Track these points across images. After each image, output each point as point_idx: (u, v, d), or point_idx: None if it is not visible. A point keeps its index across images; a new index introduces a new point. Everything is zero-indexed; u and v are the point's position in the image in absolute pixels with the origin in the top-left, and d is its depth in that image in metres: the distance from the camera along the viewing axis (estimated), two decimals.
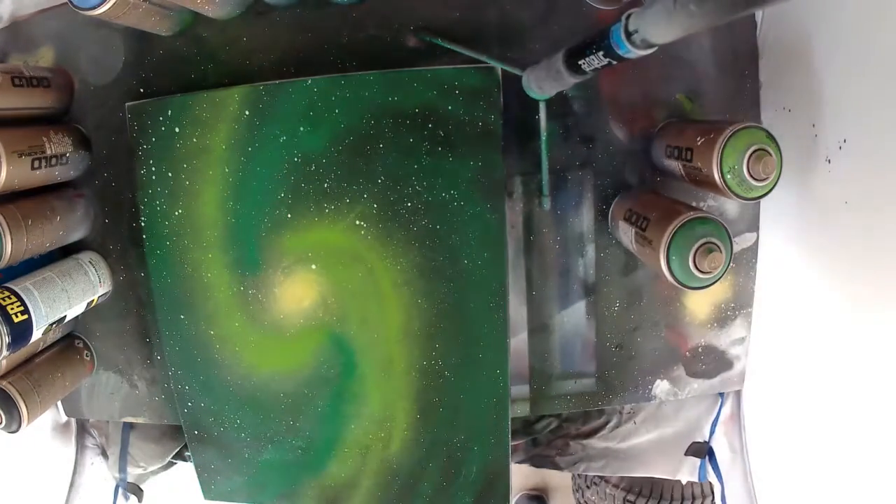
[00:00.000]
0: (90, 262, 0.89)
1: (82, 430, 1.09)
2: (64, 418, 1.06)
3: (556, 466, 1.09)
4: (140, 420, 1.02)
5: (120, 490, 1.10)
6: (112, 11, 0.69)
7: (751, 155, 0.67)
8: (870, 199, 0.68)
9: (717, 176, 0.69)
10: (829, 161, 0.73)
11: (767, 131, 0.68)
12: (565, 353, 0.95)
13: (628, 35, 0.49)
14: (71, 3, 0.67)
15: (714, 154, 0.69)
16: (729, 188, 0.69)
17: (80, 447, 1.09)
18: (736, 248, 0.89)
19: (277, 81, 0.80)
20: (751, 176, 0.68)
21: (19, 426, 0.83)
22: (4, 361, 0.85)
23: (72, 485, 1.07)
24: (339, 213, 0.81)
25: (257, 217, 0.82)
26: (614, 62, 0.54)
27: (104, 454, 1.10)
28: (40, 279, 0.79)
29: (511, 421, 0.89)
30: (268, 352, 0.87)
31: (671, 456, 1.04)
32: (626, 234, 0.82)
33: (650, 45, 0.48)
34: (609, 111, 0.87)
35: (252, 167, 0.81)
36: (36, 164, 0.77)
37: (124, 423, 1.05)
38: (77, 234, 0.90)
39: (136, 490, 1.11)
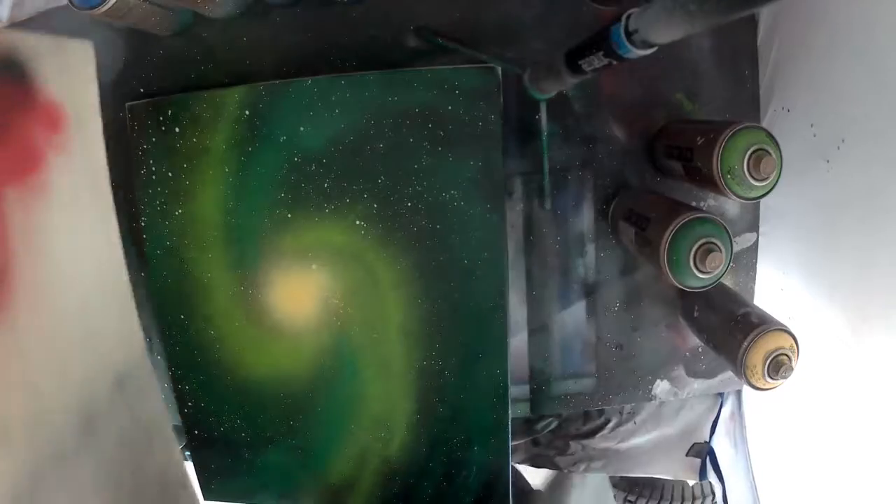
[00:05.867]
0: None
1: None
2: None
3: (556, 466, 1.08)
4: None
5: None
6: (112, 11, 0.69)
7: (751, 155, 0.67)
8: (868, 200, 0.68)
9: (717, 176, 0.69)
10: (828, 161, 0.73)
11: (767, 131, 0.68)
12: (565, 353, 0.95)
13: (628, 35, 0.49)
14: (71, 3, 0.67)
15: (714, 154, 0.69)
16: (729, 188, 0.69)
17: None
18: (736, 248, 0.89)
19: (277, 81, 0.80)
20: (751, 176, 0.68)
21: None
22: None
23: None
24: (340, 213, 0.81)
25: (257, 217, 0.82)
26: (614, 62, 0.54)
27: None
28: None
29: (511, 421, 0.89)
30: (268, 352, 0.87)
31: (671, 456, 1.04)
32: (626, 234, 0.82)
33: (650, 45, 0.48)
34: (609, 111, 0.87)
35: (252, 167, 0.81)
36: None
37: None
38: None
39: None
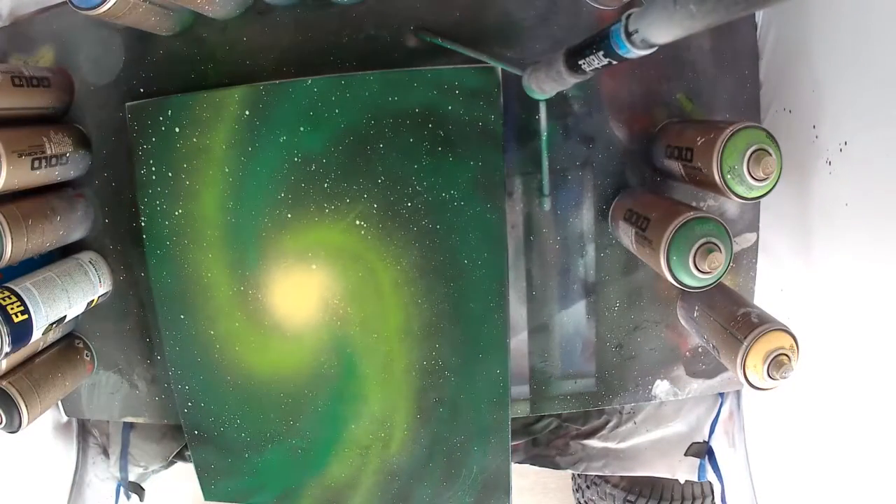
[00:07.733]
0: (90, 262, 0.89)
1: (83, 429, 1.09)
2: (65, 418, 1.06)
3: (556, 466, 1.08)
4: (140, 420, 1.02)
5: (121, 489, 1.10)
6: (112, 11, 0.69)
7: (751, 155, 0.67)
8: (870, 202, 0.68)
9: (717, 176, 0.69)
10: (830, 163, 0.72)
11: (767, 131, 0.68)
12: (565, 353, 0.95)
13: (628, 35, 0.49)
14: (71, 3, 0.67)
15: (714, 154, 0.69)
16: (729, 188, 0.69)
17: (82, 447, 1.09)
18: (736, 248, 0.89)
19: (277, 81, 0.80)
20: (751, 176, 0.68)
21: (19, 426, 0.83)
22: (4, 361, 0.85)
23: (74, 484, 1.07)
24: (340, 213, 0.81)
25: (257, 217, 0.82)
26: (614, 62, 0.54)
27: (105, 454, 1.10)
28: (41, 279, 0.79)
29: (511, 421, 0.89)
30: (268, 352, 0.87)
31: (671, 456, 1.04)
32: (626, 234, 0.82)
33: (650, 45, 0.48)
34: (609, 111, 0.87)
35: (252, 167, 0.81)
36: (36, 163, 0.77)
37: (125, 423, 1.06)
38: (77, 234, 0.90)
39: (138, 489, 1.11)
